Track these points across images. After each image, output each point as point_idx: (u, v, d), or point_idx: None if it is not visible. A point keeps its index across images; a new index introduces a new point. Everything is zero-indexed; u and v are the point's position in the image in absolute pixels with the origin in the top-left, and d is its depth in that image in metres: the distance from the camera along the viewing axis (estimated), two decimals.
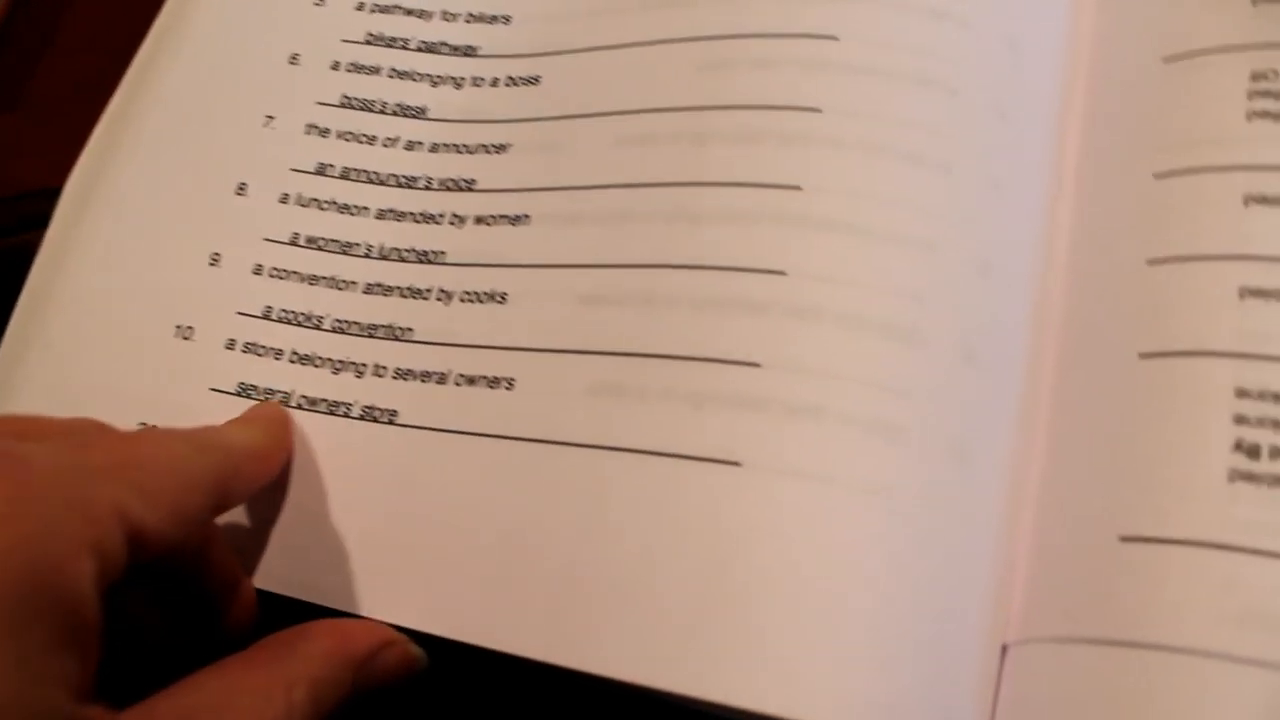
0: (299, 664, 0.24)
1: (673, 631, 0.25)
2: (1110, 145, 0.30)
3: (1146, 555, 0.24)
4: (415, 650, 0.27)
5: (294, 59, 0.36)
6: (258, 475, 0.28)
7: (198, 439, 0.26)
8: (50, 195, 0.35)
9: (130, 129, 0.35)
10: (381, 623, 0.27)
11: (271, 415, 0.30)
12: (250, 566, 0.29)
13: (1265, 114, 0.27)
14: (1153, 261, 0.27)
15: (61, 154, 0.35)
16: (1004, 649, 0.25)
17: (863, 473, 0.26)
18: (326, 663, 0.24)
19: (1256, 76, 0.28)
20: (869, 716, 0.24)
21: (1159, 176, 0.28)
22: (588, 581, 0.26)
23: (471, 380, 0.30)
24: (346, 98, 0.35)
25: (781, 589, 0.25)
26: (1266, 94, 0.27)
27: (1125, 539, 0.24)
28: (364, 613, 0.28)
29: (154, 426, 0.27)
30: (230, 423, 0.29)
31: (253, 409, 0.30)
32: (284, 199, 0.34)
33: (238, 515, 0.30)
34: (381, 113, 0.35)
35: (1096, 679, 0.24)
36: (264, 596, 0.29)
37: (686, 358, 0.27)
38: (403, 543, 0.28)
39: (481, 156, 0.33)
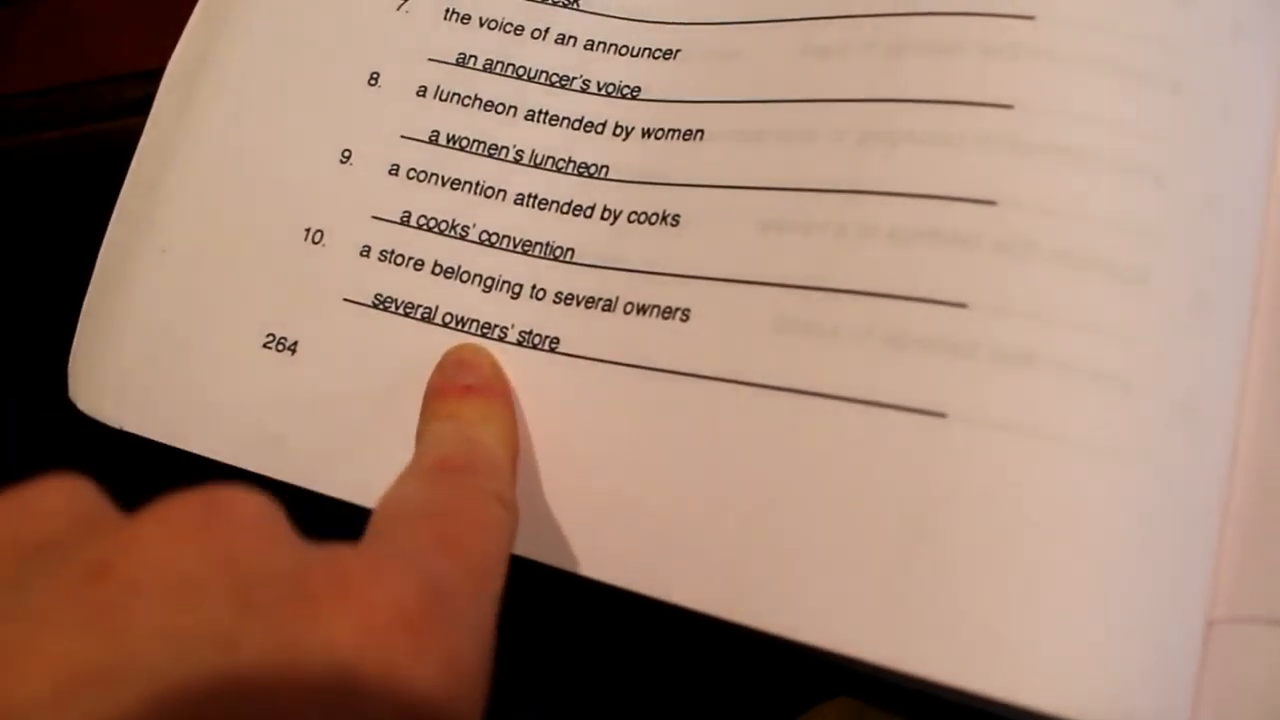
0: None
1: (869, 597, 0.23)
2: None
3: None
4: None
5: None
6: None
7: (505, 493, 0.23)
8: (148, 77, 0.32)
9: (240, 4, 0.32)
10: None
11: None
12: None
13: None
14: None
15: (161, 31, 0.32)
16: (1208, 625, 0.24)
17: (1083, 428, 0.23)
18: None
19: None
20: (1088, 699, 0.22)
21: None
22: (774, 535, 0.24)
23: (642, 309, 0.27)
24: None
25: (991, 555, 0.23)
26: None
27: None
28: (521, 552, 0.26)
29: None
30: (486, 428, 0.26)
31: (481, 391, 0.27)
32: (421, 92, 0.31)
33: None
34: (530, 0, 0.31)
35: None
36: None
37: (884, 295, 0.25)
38: (565, 481, 0.26)
39: (647, 61, 0.30)
